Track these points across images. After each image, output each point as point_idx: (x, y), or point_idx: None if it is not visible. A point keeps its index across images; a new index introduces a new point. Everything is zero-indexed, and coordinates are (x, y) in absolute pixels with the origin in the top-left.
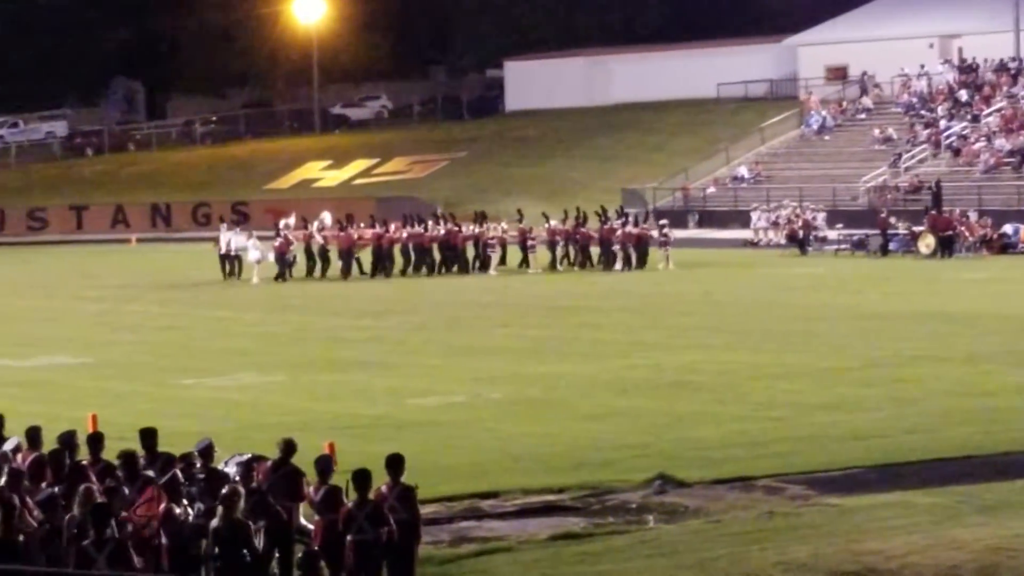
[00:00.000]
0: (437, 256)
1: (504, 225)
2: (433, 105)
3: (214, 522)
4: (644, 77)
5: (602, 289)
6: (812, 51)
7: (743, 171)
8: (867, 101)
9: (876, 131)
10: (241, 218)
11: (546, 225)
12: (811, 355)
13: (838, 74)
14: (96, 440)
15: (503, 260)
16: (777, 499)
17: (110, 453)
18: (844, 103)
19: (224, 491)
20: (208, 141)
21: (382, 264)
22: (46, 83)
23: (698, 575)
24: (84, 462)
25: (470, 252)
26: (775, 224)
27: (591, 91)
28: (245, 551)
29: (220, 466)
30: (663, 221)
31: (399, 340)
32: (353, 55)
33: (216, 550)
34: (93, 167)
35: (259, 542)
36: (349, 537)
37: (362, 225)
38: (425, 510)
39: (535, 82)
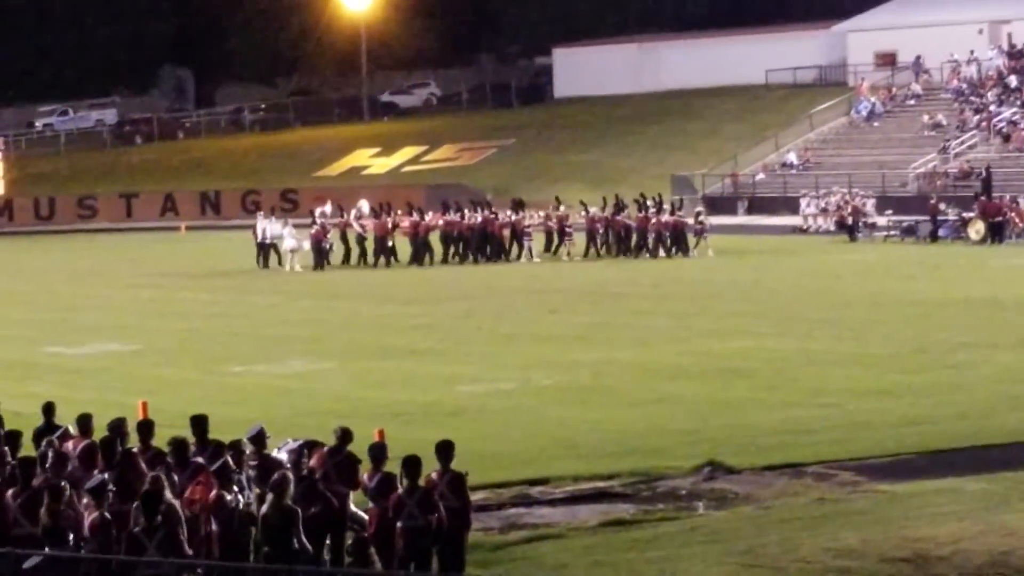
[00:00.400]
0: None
1: (541, 213)
2: (482, 92)
3: (264, 508)
4: (693, 64)
5: (651, 276)
6: (861, 37)
7: (792, 157)
8: (916, 87)
9: (925, 117)
10: (291, 206)
11: (583, 213)
12: (861, 342)
13: (887, 60)
14: (146, 427)
15: (548, 247)
16: (827, 486)
17: (160, 440)
18: (893, 89)
19: (274, 477)
20: (257, 129)
21: (419, 252)
22: (96, 71)
23: (748, 562)
24: (134, 449)
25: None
26: (824, 211)
27: (640, 78)
28: (294, 538)
29: (273, 452)
30: (699, 209)
31: (449, 327)
32: (402, 42)
33: (265, 537)
34: (143, 155)
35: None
36: (399, 524)
37: (399, 212)
38: (475, 497)
39: (584, 69)
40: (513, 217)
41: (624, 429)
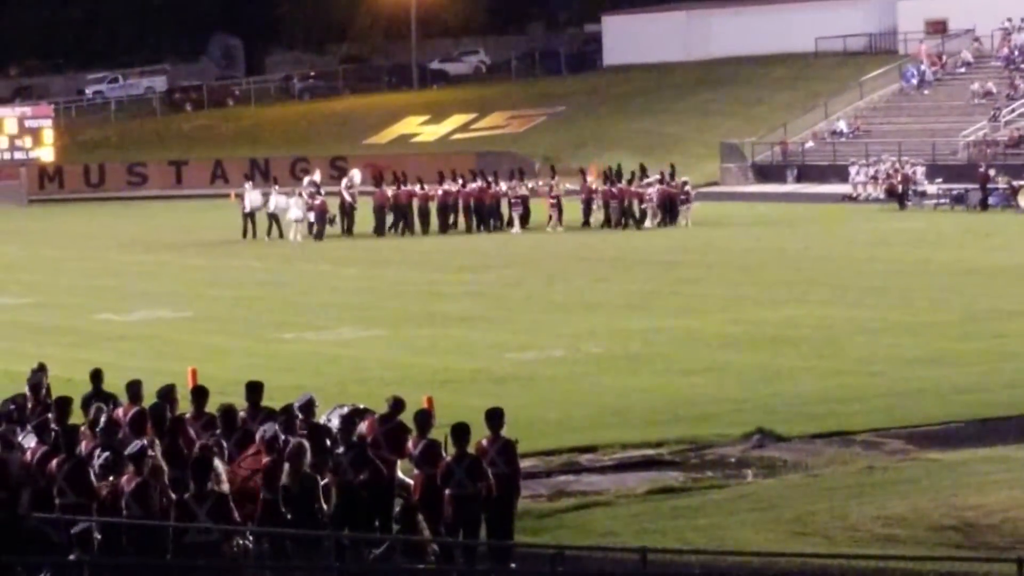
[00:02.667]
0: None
1: (531, 183)
2: (531, 60)
3: (283, 479)
4: (743, 31)
5: (700, 244)
6: (911, 5)
7: (842, 126)
8: (967, 55)
9: (976, 85)
10: (338, 173)
11: (583, 183)
12: (910, 310)
13: (937, 28)
14: (200, 394)
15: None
16: (876, 454)
17: (209, 407)
18: (944, 57)
19: (290, 446)
20: (306, 96)
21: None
22: (146, 39)
23: (796, 530)
24: (186, 416)
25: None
26: (874, 179)
27: (690, 46)
28: (316, 506)
29: (322, 419)
30: (684, 179)
31: (498, 295)
32: (451, 10)
33: (287, 505)
34: (192, 122)
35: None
36: (447, 491)
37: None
38: (524, 464)
39: (633, 36)
40: (504, 187)
41: (673, 397)
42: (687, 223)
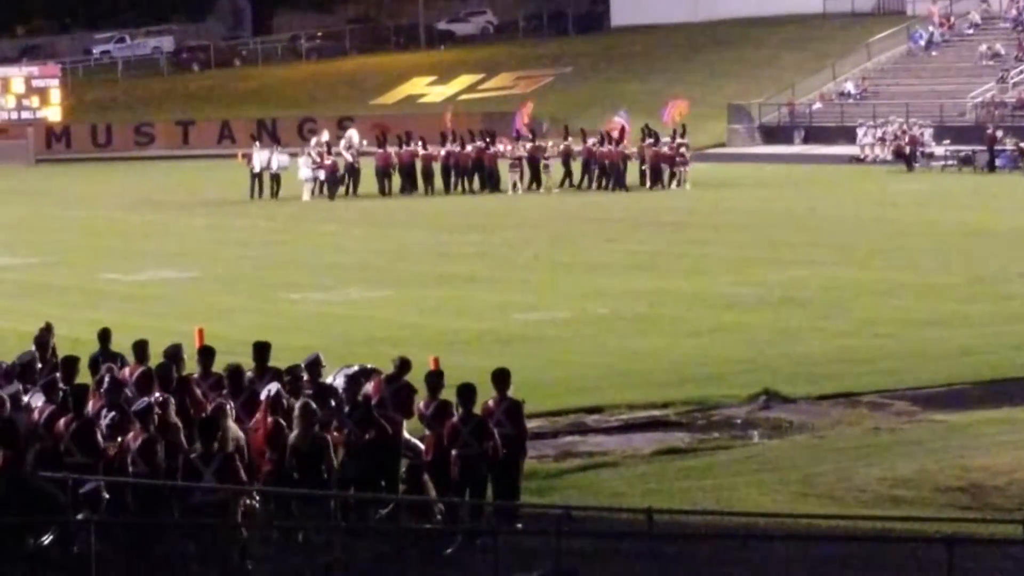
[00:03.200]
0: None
1: (529, 144)
2: (539, 20)
3: (291, 439)
4: None
5: (707, 206)
6: None
7: (850, 87)
8: (975, 16)
9: (984, 47)
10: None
11: (563, 143)
12: (917, 271)
13: None
14: (206, 353)
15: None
16: (882, 415)
17: (215, 367)
18: (952, 18)
19: (298, 406)
20: (314, 57)
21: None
22: None
23: (803, 490)
24: (193, 375)
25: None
26: (881, 140)
27: (697, 6)
28: (323, 465)
29: (328, 379)
30: (680, 141)
31: (505, 256)
32: None
33: (296, 465)
34: (199, 82)
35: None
36: (454, 451)
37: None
38: (530, 425)
39: None
40: (500, 148)
41: (679, 358)
42: (685, 184)
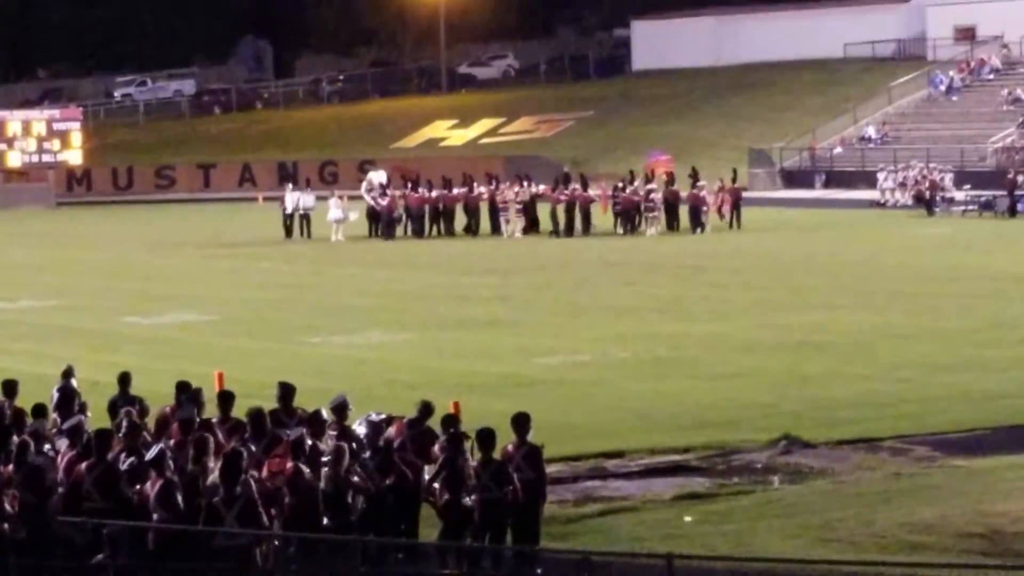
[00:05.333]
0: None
1: (517, 188)
2: (560, 64)
3: (321, 484)
4: (772, 37)
5: (727, 249)
6: (940, 11)
7: (870, 131)
8: (996, 61)
9: (1004, 91)
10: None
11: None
12: (938, 316)
13: (966, 34)
14: (226, 398)
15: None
16: (903, 460)
17: (236, 411)
18: (972, 64)
19: (330, 451)
20: (335, 100)
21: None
22: (175, 42)
23: (823, 536)
24: (212, 420)
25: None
26: (902, 185)
27: (718, 50)
28: (347, 507)
29: (353, 425)
30: (650, 186)
31: (526, 299)
32: (480, 14)
33: (326, 508)
34: (221, 125)
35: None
36: (474, 496)
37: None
38: (550, 469)
39: (662, 41)
40: (508, 192)
41: (700, 402)
42: (652, 231)
